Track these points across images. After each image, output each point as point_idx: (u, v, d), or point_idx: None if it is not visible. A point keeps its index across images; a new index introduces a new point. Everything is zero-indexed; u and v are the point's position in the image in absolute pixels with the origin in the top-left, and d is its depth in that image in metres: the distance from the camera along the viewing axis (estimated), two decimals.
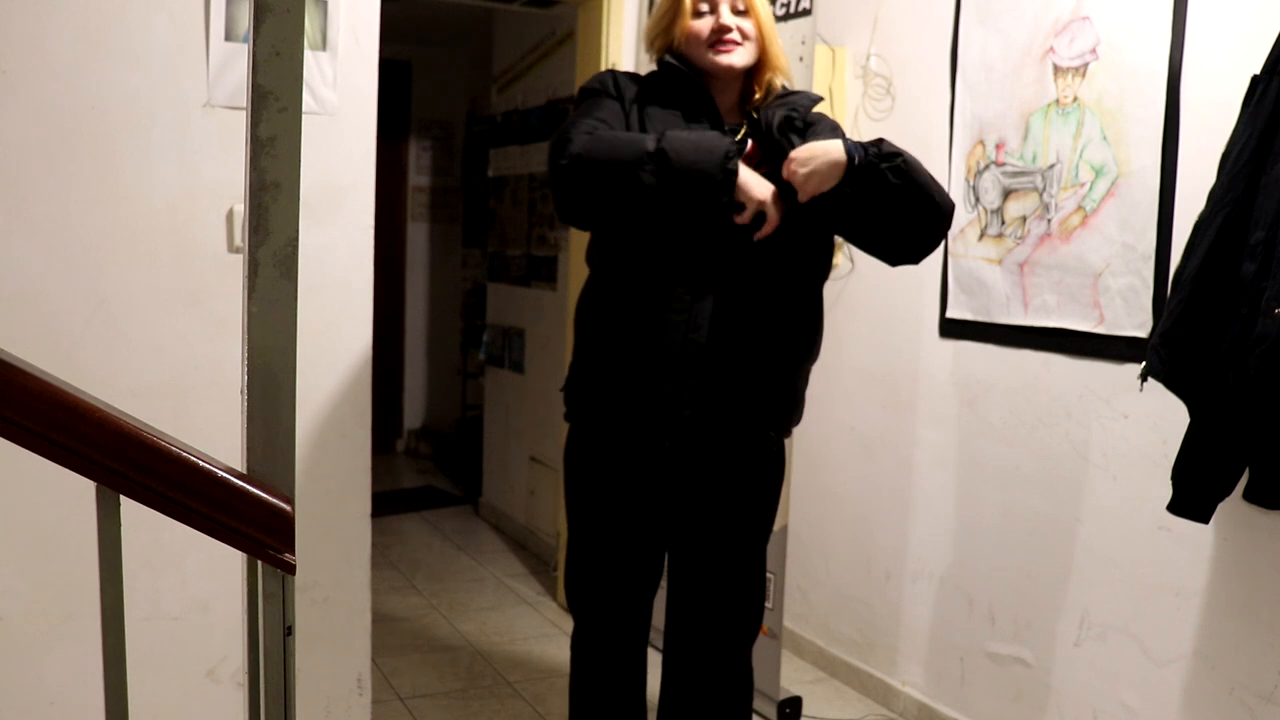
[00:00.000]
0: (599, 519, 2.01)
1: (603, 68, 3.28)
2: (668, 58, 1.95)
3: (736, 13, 1.92)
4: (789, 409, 2.01)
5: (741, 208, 1.82)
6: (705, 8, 1.92)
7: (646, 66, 3.39)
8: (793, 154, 1.82)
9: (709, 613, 2.06)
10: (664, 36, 1.98)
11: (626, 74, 2.01)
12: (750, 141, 1.92)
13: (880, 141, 1.84)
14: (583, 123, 1.84)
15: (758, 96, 1.97)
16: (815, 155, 1.79)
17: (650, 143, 1.77)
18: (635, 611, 2.05)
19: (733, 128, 1.95)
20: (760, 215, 1.84)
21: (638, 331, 1.87)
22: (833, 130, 1.96)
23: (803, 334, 1.97)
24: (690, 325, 1.85)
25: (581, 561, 2.05)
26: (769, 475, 2.04)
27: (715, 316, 1.85)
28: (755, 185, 1.82)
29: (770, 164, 1.88)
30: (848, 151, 1.79)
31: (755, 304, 1.88)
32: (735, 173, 1.79)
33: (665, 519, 2.01)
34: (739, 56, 1.91)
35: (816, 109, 2.00)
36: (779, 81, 1.98)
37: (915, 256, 1.93)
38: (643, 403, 1.89)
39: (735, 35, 1.90)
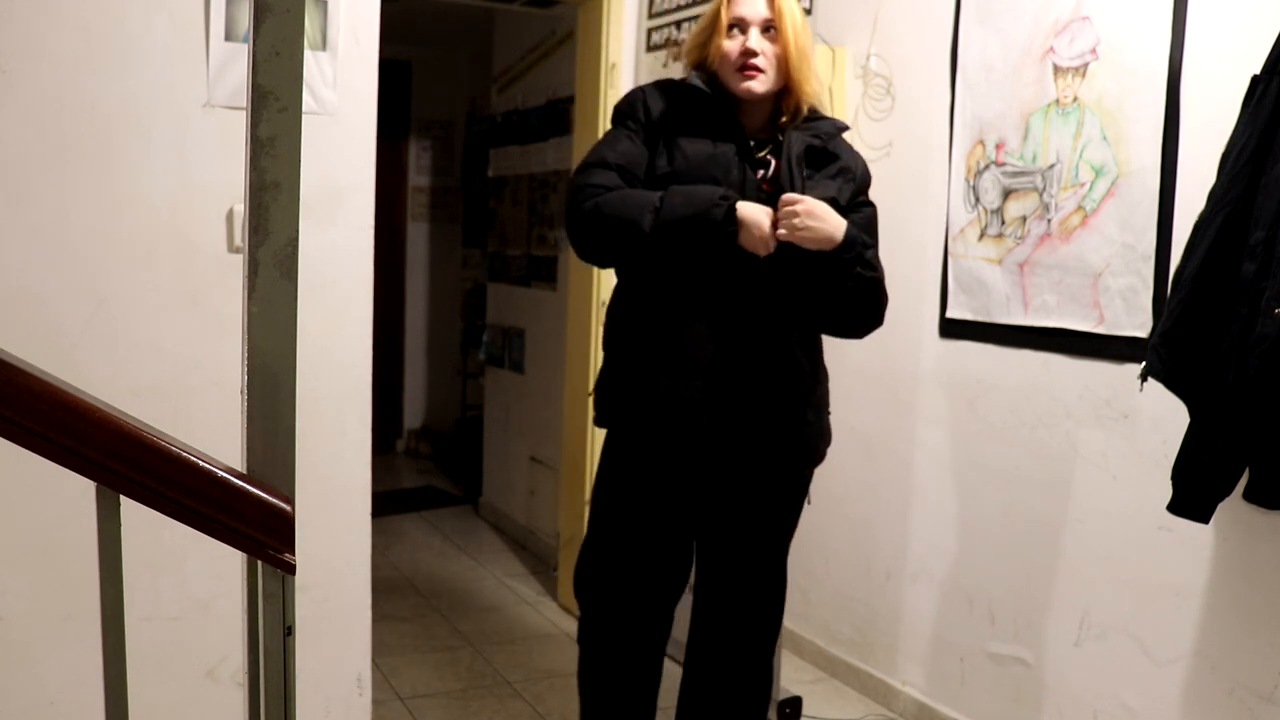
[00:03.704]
0: (625, 517, 2.04)
1: (603, 68, 3.28)
2: (694, 77, 1.99)
3: (766, 33, 1.96)
4: (818, 438, 2.08)
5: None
6: (737, 29, 1.96)
7: (646, 66, 3.40)
8: (806, 201, 1.87)
9: (731, 616, 2.11)
10: (699, 51, 2.02)
11: (659, 88, 2.04)
12: (774, 161, 1.99)
13: (873, 254, 1.97)
14: (594, 179, 1.93)
15: (784, 120, 2.01)
16: (821, 220, 1.87)
17: (647, 220, 1.85)
18: (652, 608, 2.07)
19: (759, 143, 2.01)
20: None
21: (664, 343, 1.95)
22: (843, 174, 2.01)
23: (813, 356, 2.05)
24: (712, 340, 1.93)
25: (600, 556, 2.08)
26: (797, 493, 2.13)
27: (734, 334, 1.94)
28: (755, 229, 1.88)
29: (784, 188, 1.94)
30: (848, 239, 1.88)
31: (769, 326, 1.96)
32: (735, 234, 1.87)
33: (691, 519, 2.05)
34: (760, 83, 1.95)
35: (843, 136, 2.06)
36: (806, 106, 2.01)
37: (828, 329, 2.07)
38: (669, 413, 1.94)
39: (760, 61, 1.94)
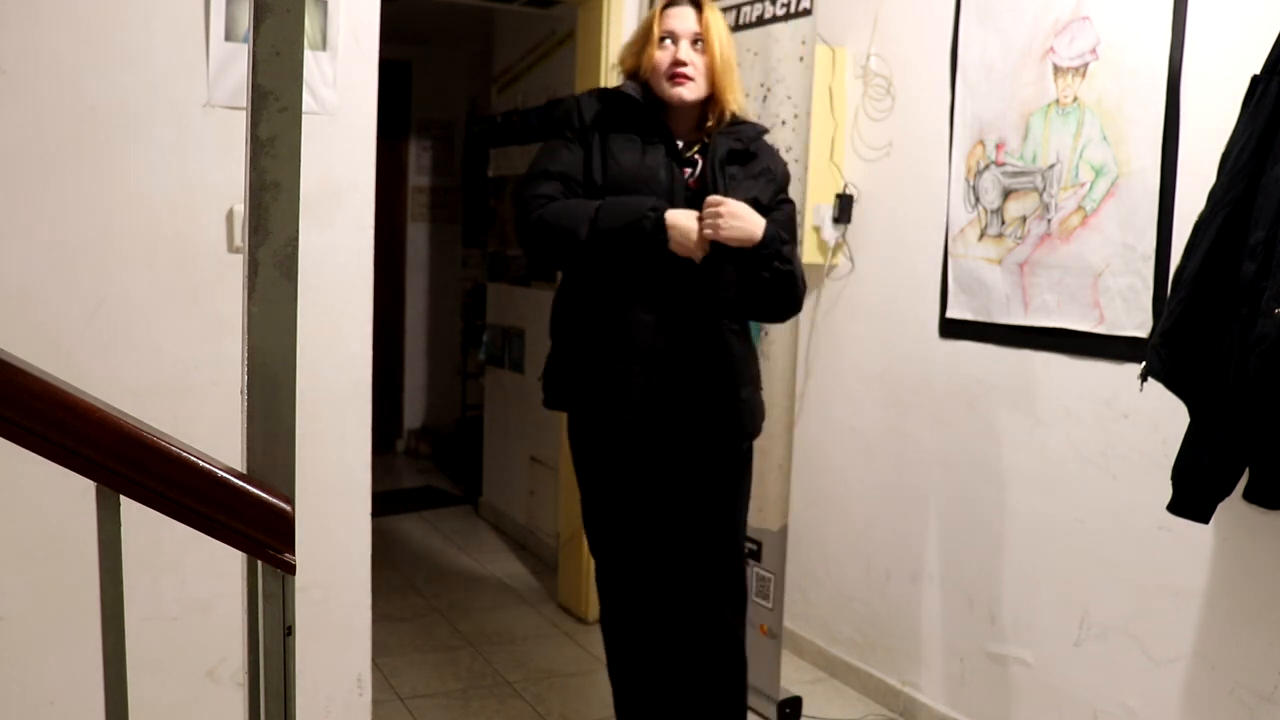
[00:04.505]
0: (596, 484, 2.25)
1: (603, 67, 3.29)
2: (628, 86, 2.17)
3: (695, 45, 2.13)
4: (753, 413, 2.24)
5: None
6: (669, 40, 2.13)
7: None
8: (729, 203, 2.03)
9: (695, 590, 2.25)
10: (634, 59, 2.19)
11: (594, 95, 2.22)
12: (700, 161, 2.16)
13: (790, 249, 2.13)
14: (539, 190, 2.11)
15: (710, 124, 2.18)
16: (742, 220, 2.03)
17: (584, 231, 2.03)
18: (641, 555, 2.24)
19: (687, 144, 2.18)
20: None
21: (608, 330, 2.11)
22: (765, 175, 2.18)
23: (744, 339, 2.22)
24: (653, 328, 2.10)
25: (589, 518, 2.29)
26: (738, 465, 2.27)
27: (673, 322, 2.11)
28: (684, 237, 2.04)
29: (708, 188, 2.12)
30: (767, 237, 2.05)
31: (703, 313, 2.13)
32: (665, 241, 2.03)
33: (651, 481, 2.22)
34: (690, 90, 2.13)
35: (765, 139, 2.25)
36: (730, 113, 2.17)
37: (742, 315, 2.21)
38: (613, 394, 2.11)
39: (689, 70, 2.12)
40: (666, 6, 2.16)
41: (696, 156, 2.17)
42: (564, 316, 2.22)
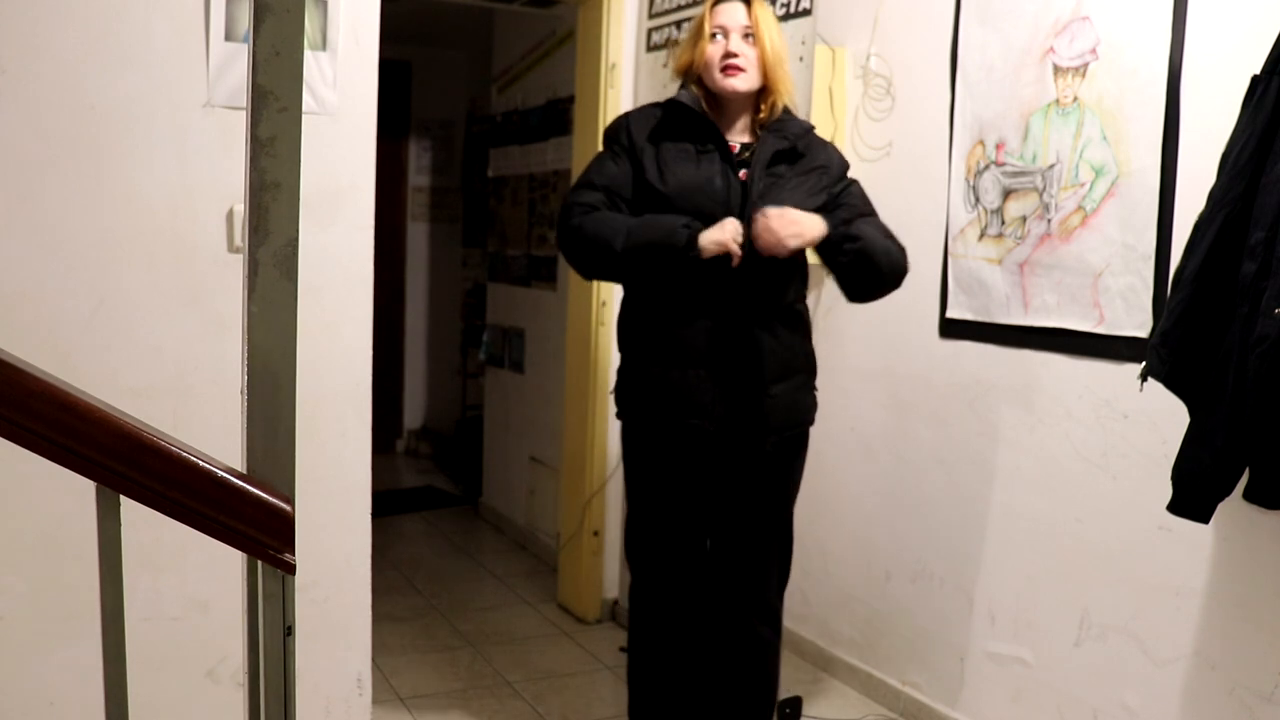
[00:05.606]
0: (654, 492, 2.29)
1: (603, 68, 3.29)
2: (683, 94, 2.22)
3: (745, 39, 2.20)
4: (807, 406, 2.32)
5: (728, 257, 2.12)
6: (719, 35, 2.20)
7: (646, 66, 3.40)
8: (770, 218, 2.06)
9: (743, 563, 2.32)
10: (687, 56, 2.26)
11: (643, 111, 2.30)
12: (743, 172, 2.22)
13: (867, 222, 2.19)
14: (581, 198, 2.19)
15: (762, 116, 2.24)
16: (797, 224, 2.09)
17: (619, 243, 2.11)
18: (687, 562, 2.29)
19: (742, 145, 2.24)
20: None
21: (671, 340, 2.18)
22: (818, 170, 2.23)
23: (801, 336, 2.29)
24: (712, 332, 2.17)
25: (639, 524, 2.33)
26: (798, 454, 2.36)
27: (731, 324, 2.17)
28: (713, 243, 2.10)
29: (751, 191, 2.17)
30: (827, 230, 2.12)
31: (760, 315, 2.19)
32: (697, 257, 2.09)
33: (707, 485, 2.27)
34: (742, 81, 2.19)
35: (810, 134, 2.29)
36: (781, 104, 2.24)
37: (855, 299, 2.31)
38: (680, 399, 2.18)
39: (740, 61, 2.18)
40: (717, 3, 2.22)
41: (748, 158, 2.23)
42: (629, 328, 2.29)
